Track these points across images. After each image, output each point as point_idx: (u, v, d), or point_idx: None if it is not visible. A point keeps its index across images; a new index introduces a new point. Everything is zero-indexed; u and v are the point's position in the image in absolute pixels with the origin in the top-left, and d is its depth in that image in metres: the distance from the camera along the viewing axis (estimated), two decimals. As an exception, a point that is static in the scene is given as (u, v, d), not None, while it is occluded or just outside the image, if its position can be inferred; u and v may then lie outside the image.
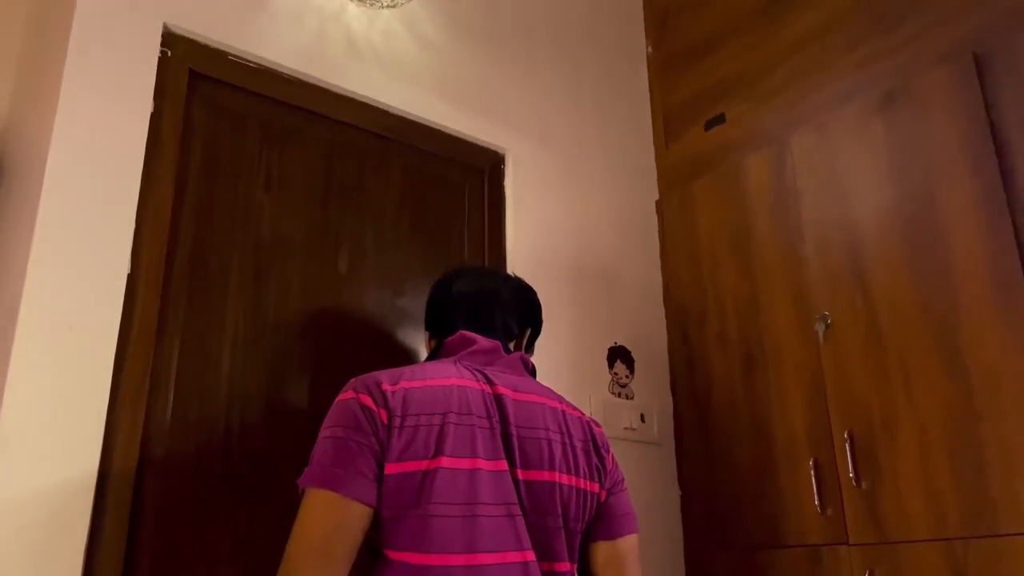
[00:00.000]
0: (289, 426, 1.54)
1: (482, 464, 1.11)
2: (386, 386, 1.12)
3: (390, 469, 1.06)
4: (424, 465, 1.07)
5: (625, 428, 2.01)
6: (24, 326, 1.27)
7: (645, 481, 2.00)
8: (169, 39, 1.55)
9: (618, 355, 2.07)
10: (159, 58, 1.53)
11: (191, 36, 1.59)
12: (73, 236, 1.35)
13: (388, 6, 1.81)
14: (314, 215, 1.70)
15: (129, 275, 1.40)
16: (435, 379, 1.16)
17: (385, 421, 1.09)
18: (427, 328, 1.41)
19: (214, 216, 1.56)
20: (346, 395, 1.13)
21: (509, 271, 1.91)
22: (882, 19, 1.91)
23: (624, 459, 1.97)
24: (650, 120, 2.45)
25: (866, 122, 1.83)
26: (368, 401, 1.10)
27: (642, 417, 2.06)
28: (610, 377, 2.03)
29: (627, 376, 2.07)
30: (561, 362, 1.93)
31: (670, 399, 2.14)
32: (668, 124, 2.41)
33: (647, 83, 2.49)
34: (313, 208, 1.70)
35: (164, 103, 1.52)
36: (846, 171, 1.84)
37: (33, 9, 1.77)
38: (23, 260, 1.31)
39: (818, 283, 1.84)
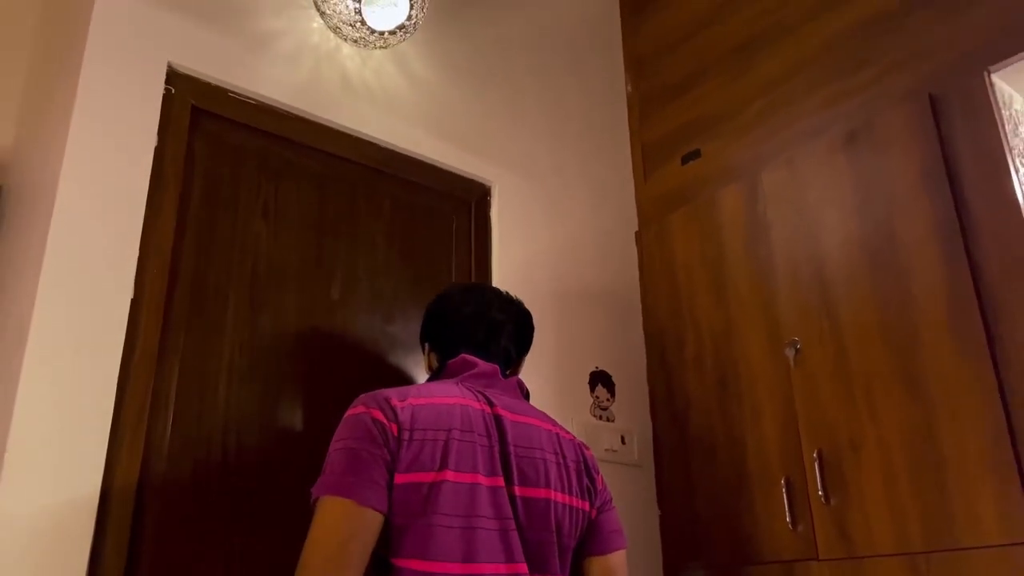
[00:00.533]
0: (284, 447, 1.60)
1: (481, 479, 1.18)
2: (395, 402, 1.20)
3: (399, 479, 1.13)
4: (431, 477, 1.15)
5: (606, 450, 2.08)
6: (33, 348, 1.33)
7: (626, 502, 2.06)
8: (173, 77, 1.64)
9: (599, 379, 2.15)
10: (163, 95, 1.61)
11: (194, 74, 1.67)
12: (80, 262, 1.42)
13: (380, 47, 1.90)
14: (308, 244, 1.78)
15: (133, 300, 1.47)
16: (440, 398, 1.24)
17: (395, 434, 1.16)
18: (427, 340, 1.48)
19: (213, 245, 1.64)
20: (357, 410, 1.21)
21: (495, 298, 2.00)
22: (845, 62, 2.03)
23: (606, 480, 2.04)
24: (629, 155, 2.56)
25: (832, 158, 1.94)
26: (379, 415, 1.18)
27: (623, 439, 2.13)
28: (592, 400, 2.11)
29: (608, 399, 2.15)
30: (545, 385, 2.01)
31: (649, 422, 2.21)
32: (646, 159, 2.52)
33: (626, 120, 2.60)
34: (308, 237, 1.78)
35: (167, 137, 1.60)
36: (814, 204, 1.94)
37: (39, 43, 1.85)
38: (33, 284, 1.38)
39: (788, 310, 1.94)
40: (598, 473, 1.39)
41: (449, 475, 1.15)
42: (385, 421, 1.17)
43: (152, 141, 1.57)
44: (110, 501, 1.36)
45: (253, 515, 1.52)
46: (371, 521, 1.10)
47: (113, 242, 1.47)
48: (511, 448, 1.23)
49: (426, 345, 1.50)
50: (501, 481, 1.21)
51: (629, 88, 2.64)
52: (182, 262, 1.58)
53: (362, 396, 1.24)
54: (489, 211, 2.10)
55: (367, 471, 1.12)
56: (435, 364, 1.45)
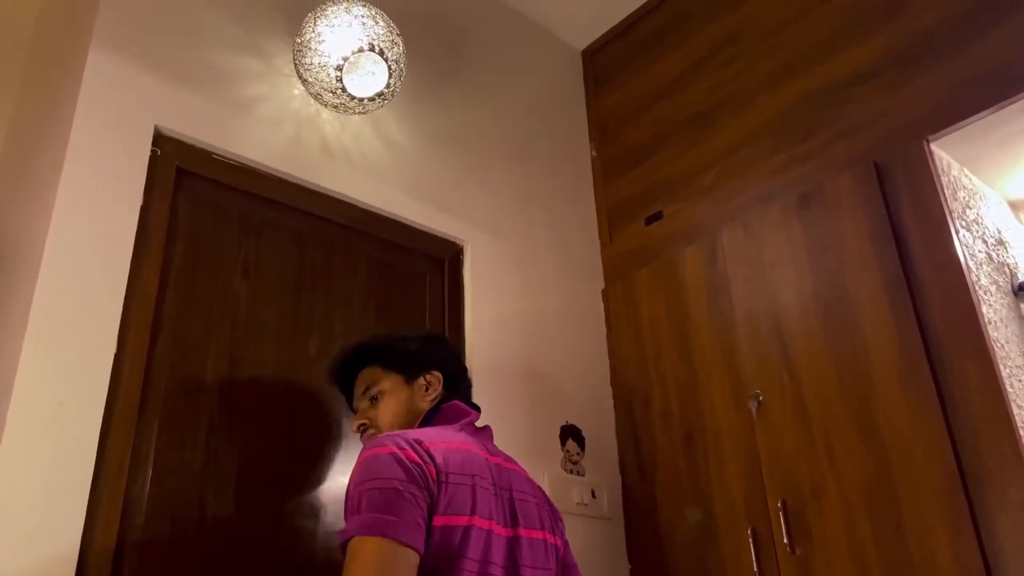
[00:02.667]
0: (262, 504, 1.61)
1: (495, 527, 1.23)
2: (427, 444, 1.22)
3: (438, 521, 1.15)
4: (464, 521, 1.18)
5: (577, 504, 2.12)
6: (17, 402, 1.34)
7: (597, 556, 2.10)
8: (159, 139, 1.69)
9: (570, 433, 2.20)
10: (150, 156, 1.66)
11: (179, 136, 1.73)
12: (66, 318, 1.44)
13: (359, 112, 1.98)
14: (287, 301, 1.81)
15: (115, 355, 1.49)
16: (459, 443, 1.27)
17: (434, 476, 1.18)
18: (438, 369, 1.51)
19: (195, 301, 1.67)
20: (385, 449, 1.19)
21: (468, 353, 2.05)
22: (795, 131, 2.17)
23: (576, 534, 2.07)
24: (595, 216, 2.66)
25: (786, 220, 2.06)
26: (414, 456, 1.19)
27: (593, 493, 2.17)
28: (562, 454, 2.15)
29: (578, 453, 2.19)
30: (517, 439, 2.04)
31: (619, 476, 2.26)
32: (611, 219, 2.63)
33: (592, 182, 2.71)
34: (286, 294, 1.82)
35: (153, 197, 1.64)
36: (771, 263, 2.05)
37: (25, 103, 1.90)
38: (18, 339, 1.39)
39: (750, 363, 2.02)
40: (557, 510, 1.49)
41: (476, 520, 1.19)
42: (421, 462, 1.18)
43: (138, 200, 1.61)
44: (89, 559, 1.35)
45: (231, 573, 1.52)
46: (411, 561, 1.10)
47: (97, 298, 1.49)
48: (512, 493, 1.29)
49: (434, 373, 1.50)
50: (511, 531, 1.26)
51: (593, 152, 2.76)
52: (164, 318, 1.61)
53: (383, 436, 1.24)
54: (462, 269, 2.16)
55: (408, 511, 1.12)
56: (434, 395, 1.48)
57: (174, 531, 1.49)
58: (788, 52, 2.24)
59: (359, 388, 1.53)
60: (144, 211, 1.61)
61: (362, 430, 1.48)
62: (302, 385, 1.77)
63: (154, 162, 1.67)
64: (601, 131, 2.79)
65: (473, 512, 1.19)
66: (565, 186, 2.61)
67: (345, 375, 1.58)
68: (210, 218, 1.75)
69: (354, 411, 1.55)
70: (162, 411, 1.55)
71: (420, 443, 1.22)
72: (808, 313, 1.93)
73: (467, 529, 1.17)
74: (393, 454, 1.18)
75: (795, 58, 2.22)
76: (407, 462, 1.18)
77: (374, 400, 1.49)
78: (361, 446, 1.40)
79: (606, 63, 2.87)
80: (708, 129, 2.42)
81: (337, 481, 1.72)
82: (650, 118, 2.62)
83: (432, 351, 1.54)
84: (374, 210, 2.02)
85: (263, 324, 1.75)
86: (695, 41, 2.54)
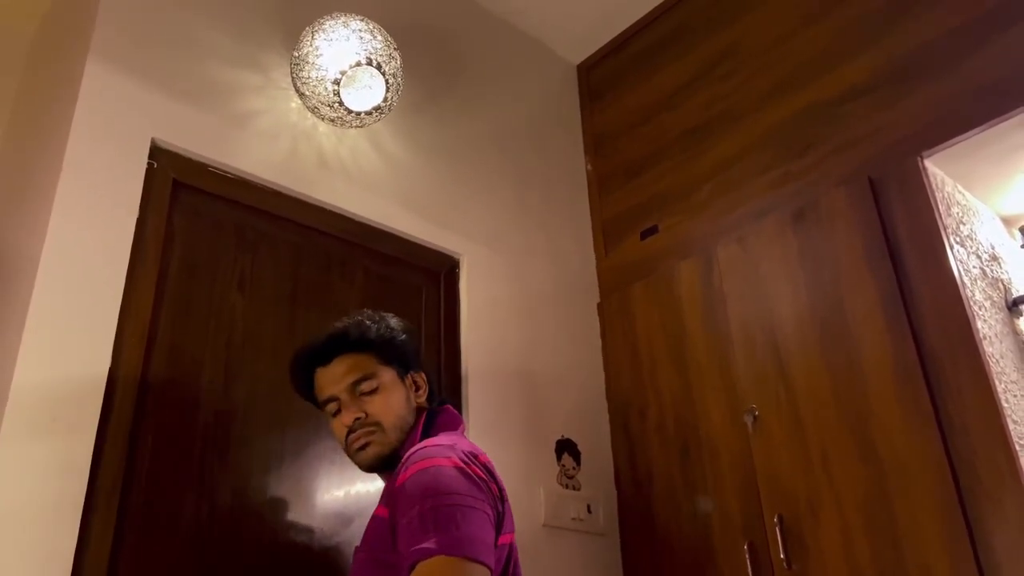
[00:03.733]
0: (258, 520, 1.60)
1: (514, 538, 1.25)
2: (482, 459, 1.21)
3: (500, 540, 1.16)
4: (512, 538, 1.20)
5: (573, 519, 2.11)
6: (11, 416, 1.33)
7: (592, 571, 2.09)
8: (156, 152, 1.69)
9: (565, 448, 2.19)
10: (146, 169, 1.66)
11: (175, 150, 1.72)
12: (60, 331, 1.43)
13: (356, 126, 1.99)
14: (282, 314, 1.81)
15: (110, 369, 1.48)
16: (485, 455, 1.26)
17: (496, 493, 1.19)
18: (422, 370, 1.45)
19: (190, 315, 1.66)
20: (449, 462, 1.15)
21: (464, 366, 2.05)
22: (791, 146, 2.18)
23: (572, 549, 2.07)
24: (591, 230, 2.66)
25: (781, 235, 2.06)
26: (479, 472, 1.17)
27: (588, 508, 2.16)
28: (558, 468, 2.15)
29: (574, 468, 2.19)
30: (512, 453, 2.04)
31: (614, 490, 2.25)
32: (607, 234, 2.63)
33: (587, 196, 2.72)
34: (282, 308, 1.81)
35: (149, 210, 1.64)
36: (766, 278, 2.06)
37: (22, 115, 1.89)
38: (13, 353, 1.39)
39: (746, 378, 2.02)
40: None
41: (513, 536, 1.22)
42: (486, 478, 1.18)
43: (134, 214, 1.60)
44: None
45: (225, 587, 1.51)
46: None
47: (93, 312, 1.49)
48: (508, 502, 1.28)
49: (421, 375, 1.43)
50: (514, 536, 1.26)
51: (589, 167, 2.77)
52: (159, 332, 1.60)
53: (439, 448, 1.18)
54: (458, 282, 2.16)
55: (488, 531, 1.10)
56: (423, 396, 1.41)
57: (169, 548, 1.47)
58: (783, 68, 2.26)
59: (341, 376, 1.36)
60: (140, 224, 1.61)
61: (357, 425, 1.33)
62: (299, 400, 1.75)
63: (150, 175, 1.66)
64: (597, 145, 2.79)
65: (512, 527, 1.22)
66: (561, 199, 2.62)
67: (314, 361, 1.41)
68: (206, 231, 1.75)
69: (325, 403, 1.38)
70: (157, 426, 1.54)
71: (476, 457, 1.20)
72: (804, 328, 1.94)
73: (512, 546, 1.20)
74: (460, 469, 1.14)
75: (790, 74, 2.23)
76: (475, 478, 1.14)
77: (369, 393, 1.35)
78: (341, 450, 1.37)
79: (602, 77, 2.88)
80: (703, 143, 2.43)
81: (333, 496, 1.71)
82: (646, 132, 2.63)
83: (416, 348, 1.47)
84: (371, 223, 2.02)
85: (259, 338, 1.75)
86: (691, 56, 2.56)
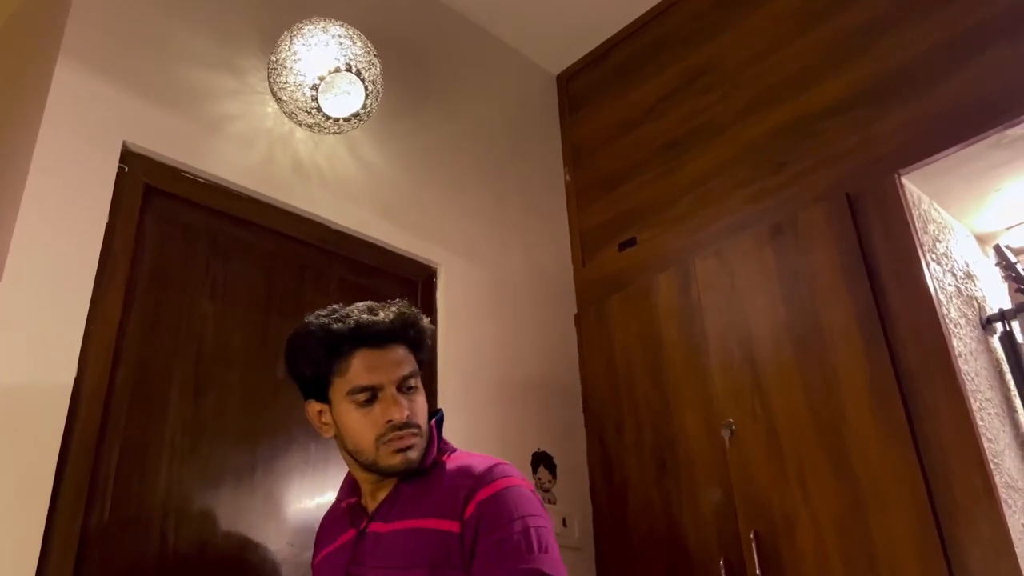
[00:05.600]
0: (226, 535, 1.56)
1: None
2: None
3: None
4: None
5: (547, 532, 2.08)
6: (-30, 428, 1.28)
7: (566, 585, 2.07)
8: (127, 155, 1.65)
9: (541, 460, 2.17)
10: (117, 173, 1.61)
11: (148, 153, 1.68)
12: (24, 339, 1.39)
13: (334, 132, 1.96)
14: (254, 323, 1.77)
15: (75, 380, 1.43)
16: None
17: None
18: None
19: (160, 324, 1.62)
20: (526, 485, 1.19)
21: (440, 378, 2.02)
22: (769, 162, 2.19)
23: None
24: (568, 241, 2.65)
25: (759, 249, 2.06)
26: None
27: (564, 521, 2.14)
28: (534, 482, 2.13)
29: (550, 481, 2.17)
30: (488, 467, 2.01)
31: (590, 504, 2.24)
32: (585, 245, 2.62)
33: (565, 207, 2.71)
34: (255, 317, 1.77)
35: (119, 215, 1.59)
36: (743, 292, 2.06)
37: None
38: (-27, 362, 1.34)
39: (722, 392, 2.02)
40: None
41: None
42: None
43: (103, 218, 1.56)
44: (41, 591, 1.29)
45: (191, 604, 1.47)
46: None
47: (58, 320, 1.44)
48: None
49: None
50: None
51: (567, 178, 2.76)
52: (127, 340, 1.55)
53: (505, 467, 1.20)
54: (435, 292, 2.14)
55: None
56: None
57: (133, 564, 1.43)
58: (763, 83, 2.27)
59: (395, 366, 1.24)
60: (109, 229, 1.57)
61: (405, 424, 1.22)
62: (269, 411, 1.72)
63: (121, 179, 1.62)
64: (576, 156, 2.79)
65: None
66: (539, 210, 2.60)
67: (365, 340, 1.25)
68: (178, 238, 1.71)
69: (361, 390, 1.23)
70: (123, 437, 1.49)
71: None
72: (780, 343, 1.94)
73: None
74: (533, 492, 1.20)
75: (770, 90, 2.24)
76: (541, 502, 1.21)
77: (411, 391, 1.26)
78: (402, 450, 1.22)
79: (581, 88, 2.88)
80: (682, 157, 2.43)
81: (305, 507, 1.68)
82: (625, 144, 2.63)
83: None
84: (347, 231, 1.99)
85: (230, 348, 1.71)
86: (670, 70, 2.56)
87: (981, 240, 2.16)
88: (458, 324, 2.14)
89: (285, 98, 1.85)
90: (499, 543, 1.09)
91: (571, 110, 2.87)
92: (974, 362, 1.76)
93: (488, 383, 2.15)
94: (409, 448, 1.22)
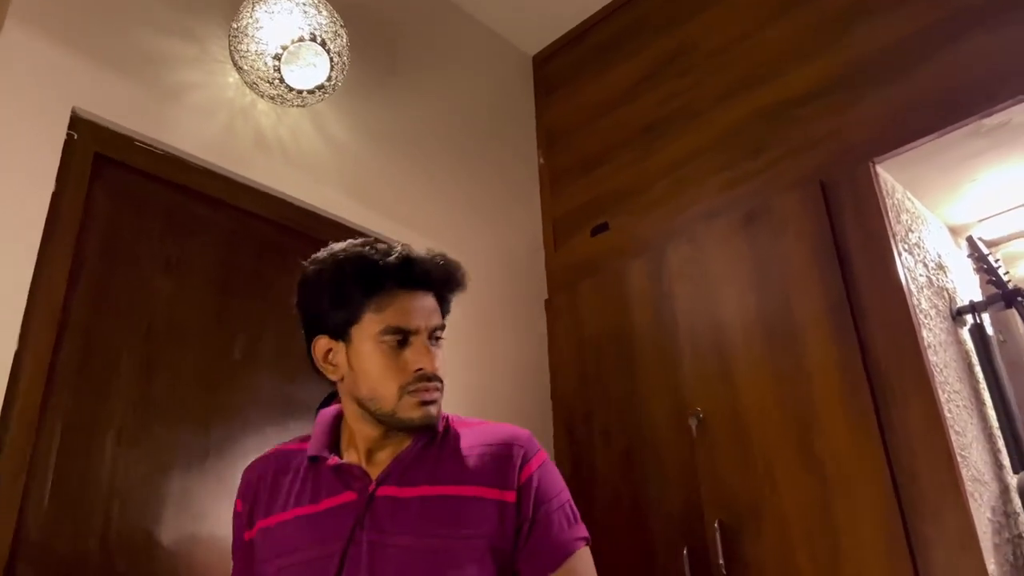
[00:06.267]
0: (172, 520, 1.50)
1: None
2: None
3: None
4: None
5: (511, 520, 2.04)
6: None
7: (530, 574, 2.03)
8: (76, 122, 1.57)
9: (506, 447, 2.13)
10: (65, 140, 1.54)
11: (99, 121, 1.61)
12: (-41, 312, 1.32)
13: (298, 105, 1.89)
14: (210, 301, 1.71)
15: (16, 353, 1.37)
16: None
17: None
18: None
19: (109, 299, 1.55)
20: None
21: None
22: (744, 147, 2.15)
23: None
24: (541, 225, 2.61)
25: (731, 237, 2.03)
26: None
27: (528, 509, 2.10)
28: (498, 469, 2.08)
29: (514, 468, 2.12)
30: (451, 453, 1.97)
31: (555, 492, 2.19)
32: (557, 229, 2.58)
33: (538, 191, 2.66)
34: (210, 294, 1.71)
35: (66, 184, 1.52)
36: (715, 279, 2.02)
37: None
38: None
39: (691, 380, 1.99)
40: None
41: None
42: None
43: (50, 186, 1.49)
44: (-28, 575, 1.23)
45: (135, 590, 1.41)
46: None
47: (-2, 290, 1.37)
48: None
49: None
50: None
51: (541, 161, 2.71)
52: (72, 315, 1.49)
53: (532, 437, 1.17)
54: (401, 274, 2.07)
55: None
56: None
57: (75, 547, 1.37)
58: (740, 68, 2.23)
59: (430, 314, 1.14)
60: (56, 198, 1.50)
61: (436, 378, 1.13)
62: (224, 392, 1.66)
63: (70, 146, 1.55)
64: (550, 139, 2.74)
65: None
66: (511, 193, 2.55)
67: (407, 280, 1.14)
68: (130, 210, 1.64)
69: (396, 331, 1.10)
70: (66, 416, 1.43)
71: None
72: (751, 332, 1.91)
73: None
74: None
75: (747, 74, 2.20)
76: None
77: (437, 344, 1.15)
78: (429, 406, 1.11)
79: (557, 70, 2.83)
80: (657, 142, 2.39)
81: (258, 494, 1.62)
82: (600, 128, 2.58)
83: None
84: (310, 208, 1.93)
85: (184, 326, 1.65)
86: (647, 52, 2.52)
87: (954, 232, 2.14)
88: (424, 307, 2.08)
89: (246, 67, 1.78)
90: (556, 511, 1.12)
91: (546, 92, 2.82)
92: (943, 354, 1.74)
93: (453, 370, 2.08)
94: (432, 403, 1.11)
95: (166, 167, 1.70)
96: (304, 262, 1.18)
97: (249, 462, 1.35)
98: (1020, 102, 1.68)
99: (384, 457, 1.13)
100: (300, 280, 1.17)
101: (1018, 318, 1.90)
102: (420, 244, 2.11)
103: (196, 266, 1.71)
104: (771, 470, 1.78)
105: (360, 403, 1.13)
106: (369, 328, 1.11)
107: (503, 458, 1.12)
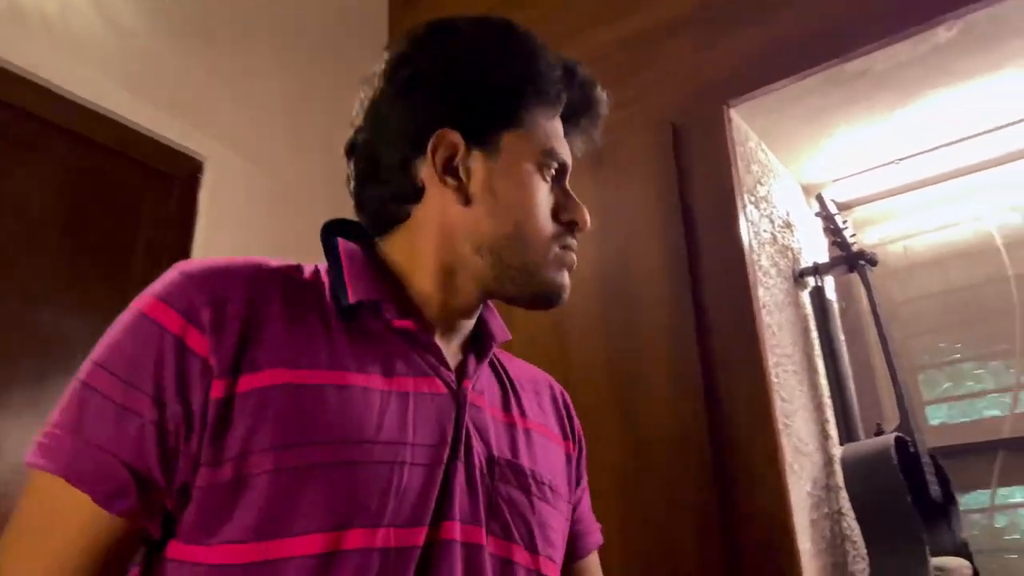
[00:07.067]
0: None
1: None
2: None
3: None
4: None
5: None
6: None
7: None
8: None
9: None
10: None
11: None
12: None
13: (65, -28, 1.55)
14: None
15: None
16: None
17: None
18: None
19: None
20: None
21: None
22: (606, 79, 1.95)
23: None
24: (380, 153, 2.35)
25: (579, 180, 1.84)
26: None
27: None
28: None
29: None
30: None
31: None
32: (397, 159, 2.33)
33: (382, 115, 2.40)
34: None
35: None
36: (557, 223, 1.84)
37: None
38: None
39: (520, 330, 1.80)
40: None
41: None
42: None
43: None
44: None
45: None
46: None
47: None
48: None
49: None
50: None
51: (389, 83, 2.44)
52: None
53: None
54: (197, 191, 1.78)
55: None
56: None
57: None
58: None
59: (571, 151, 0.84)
60: None
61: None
62: None
63: None
64: (400, 56, 2.47)
65: None
66: (350, 110, 2.27)
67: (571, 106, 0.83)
68: None
69: (556, 161, 0.79)
70: None
71: None
72: (587, 284, 1.74)
73: None
74: None
75: (602, 6, 2.01)
76: None
77: None
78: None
79: (415, -16, 2.55)
80: (511, 69, 2.16)
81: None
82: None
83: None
84: (79, 101, 1.60)
85: None
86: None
87: (807, 191, 2.04)
88: (226, 236, 1.80)
89: (-10, -86, 1.43)
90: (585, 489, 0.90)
91: (401, 9, 2.54)
92: (779, 315, 1.63)
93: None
94: (571, 268, 0.79)
95: None
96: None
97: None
98: (882, 46, 1.55)
99: (454, 348, 0.78)
100: (434, 30, 0.79)
101: (861, 284, 1.81)
102: (227, 159, 1.84)
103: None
104: (592, 427, 1.62)
105: (477, 247, 0.75)
106: (531, 142, 0.76)
107: (555, 400, 0.87)
